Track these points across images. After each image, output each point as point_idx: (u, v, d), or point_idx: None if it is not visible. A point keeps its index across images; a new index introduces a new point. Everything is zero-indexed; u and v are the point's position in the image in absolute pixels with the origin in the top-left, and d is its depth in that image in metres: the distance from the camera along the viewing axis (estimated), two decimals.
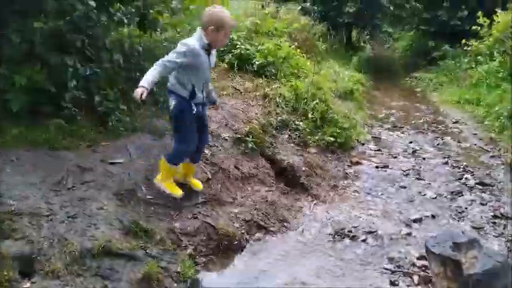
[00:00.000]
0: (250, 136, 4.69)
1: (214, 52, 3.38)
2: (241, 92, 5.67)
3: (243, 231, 3.71)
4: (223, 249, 3.50)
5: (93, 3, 3.70)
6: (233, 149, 4.52)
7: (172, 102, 3.29)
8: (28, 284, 2.53)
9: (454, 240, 2.17)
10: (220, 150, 4.38)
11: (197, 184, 3.75)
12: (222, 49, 6.45)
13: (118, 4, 4.24)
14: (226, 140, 4.51)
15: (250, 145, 4.63)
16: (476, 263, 2.04)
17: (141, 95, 2.97)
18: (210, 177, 3.96)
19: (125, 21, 4.15)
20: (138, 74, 4.38)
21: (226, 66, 6.25)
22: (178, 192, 3.55)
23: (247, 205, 3.99)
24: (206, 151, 4.25)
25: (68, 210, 3.07)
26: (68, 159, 3.48)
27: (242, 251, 3.59)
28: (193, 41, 3.15)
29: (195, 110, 3.33)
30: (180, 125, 3.38)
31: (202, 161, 4.08)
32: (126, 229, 3.12)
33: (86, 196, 3.24)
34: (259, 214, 3.96)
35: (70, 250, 2.77)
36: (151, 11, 4.76)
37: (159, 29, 4.94)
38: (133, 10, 4.65)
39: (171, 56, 3.14)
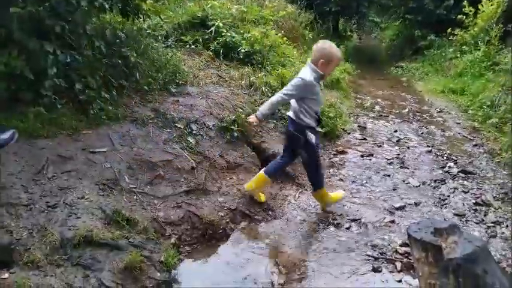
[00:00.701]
0: (236, 125, 4.65)
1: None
2: (226, 80, 5.61)
3: (227, 220, 3.71)
4: (207, 238, 3.50)
5: None
6: (218, 137, 4.49)
7: (311, 136, 3.65)
8: (6, 275, 2.49)
9: (435, 226, 2.19)
10: (205, 138, 4.34)
11: (261, 197, 4.05)
12: (207, 37, 6.39)
13: None
14: (211, 128, 4.47)
15: (235, 134, 4.60)
16: (456, 248, 2.07)
17: (252, 123, 3.75)
18: (195, 166, 3.93)
19: (106, 6, 4.04)
20: (120, 61, 4.32)
21: (211, 54, 6.17)
22: (263, 199, 4.02)
23: (232, 194, 3.98)
24: (191, 140, 4.22)
25: (48, 199, 3.02)
26: (48, 148, 3.41)
27: (227, 239, 3.59)
28: (308, 75, 3.50)
29: (314, 139, 3.70)
30: (315, 153, 3.81)
31: (187, 150, 4.05)
32: (108, 218, 3.09)
33: (66, 185, 3.19)
34: (244, 203, 3.96)
35: (50, 240, 2.73)
36: None
37: (141, 16, 4.83)
38: None
39: (289, 89, 3.56)
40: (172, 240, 3.29)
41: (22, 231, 2.71)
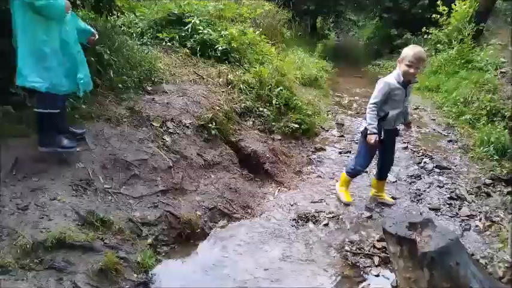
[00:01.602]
0: (214, 123, 4.62)
1: (411, 85, 3.75)
2: (203, 78, 5.55)
3: (206, 219, 3.67)
4: (185, 237, 3.45)
5: None
6: (196, 136, 4.44)
7: (364, 125, 3.81)
8: None
9: (410, 220, 2.22)
10: (182, 137, 4.28)
11: (388, 198, 4.24)
12: (183, 34, 6.31)
13: None
14: (188, 127, 4.42)
15: (213, 132, 4.56)
16: (430, 242, 2.10)
17: (375, 140, 3.65)
18: (171, 165, 3.87)
19: (78, 2, 3.93)
20: (93, 58, 4.20)
21: (188, 51, 6.10)
22: (346, 200, 4.16)
23: (211, 193, 3.94)
24: (167, 138, 4.16)
25: (18, 201, 2.92)
26: (18, 148, 3.30)
27: (205, 238, 3.55)
28: (391, 78, 3.63)
29: (383, 135, 3.73)
30: (364, 146, 3.86)
31: (163, 149, 3.99)
32: (82, 220, 3.01)
33: (38, 186, 3.09)
34: (222, 201, 3.93)
35: (21, 243, 2.64)
36: None
37: (115, 12, 4.73)
38: None
39: (377, 95, 3.65)
40: (149, 240, 3.23)
41: None
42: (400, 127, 4.11)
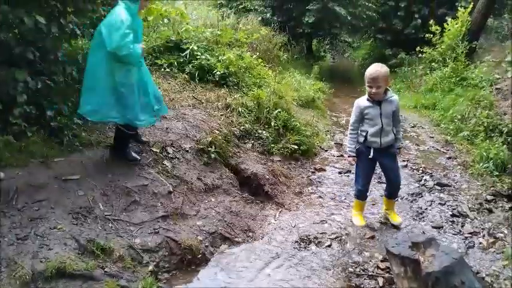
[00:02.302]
0: (213, 146, 4.63)
1: (391, 101, 3.75)
2: (202, 103, 5.61)
3: (207, 244, 3.63)
4: (187, 263, 3.42)
5: (42, 20, 3.54)
6: (195, 160, 4.45)
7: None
8: None
9: (413, 240, 2.20)
10: (181, 162, 4.30)
11: (395, 219, 4.16)
12: (181, 60, 6.40)
13: (71, 16, 4.10)
14: (188, 151, 4.43)
15: (213, 155, 4.58)
16: (434, 261, 2.08)
17: (352, 160, 3.94)
18: (171, 190, 3.86)
19: (78, 32, 4.01)
20: None
21: (186, 77, 6.18)
22: (359, 223, 4.12)
23: (211, 217, 3.92)
24: (167, 163, 4.17)
25: (17, 231, 2.91)
26: (17, 178, 3.30)
27: (207, 264, 3.51)
28: (363, 98, 3.79)
29: (372, 154, 3.80)
30: (356, 166, 4.02)
31: (163, 174, 3.99)
32: (82, 248, 2.99)
33: (38, 216, 3.08)
34: (223, 225, 3.90)
35: (20, 274, 2.62)
36: None
37: None
38: (88, 22, 4.53)
39: (352, 117, 3.88)
40: (150, 267, 3.19)
41: None
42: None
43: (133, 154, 3.98)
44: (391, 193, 4.14)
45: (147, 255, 3.25)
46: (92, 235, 3.12)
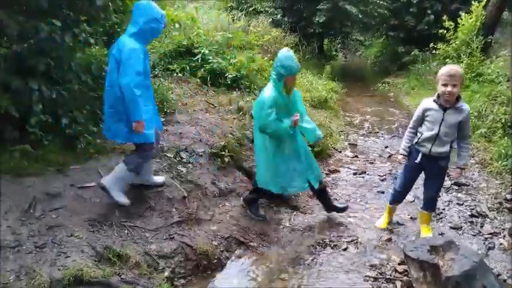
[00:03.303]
0: (226, 150, 4.63)
1: (460, 110, 3.42)
2: (215, 107, 5.62)
3: (222, 249, 3.63)
4: (202, 269, 3.42)
5: (58, 23, 3.59)
6: (209, 164, 4.45)
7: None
8: None
9: (431, 243, 2.15)
10: (195, 166, 4.30)
11: (424, 232, 3.91)
12: (193, 64, 6.43)
13: (84, 24, 4.16)
14: (202, 155, 4.44)
15: (226, 159, 4.58)
16: (453, 265, 2.03)
17: (402, 158, 3.76)
18: (186, 195, 3.87)
19: (91, 41, 4.06)
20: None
21: (198, 81, 6.20)
22: (380, 225, 4.12)
23: (226, 221, 3.92)
24: (182, 168, 4.18)
25: (36, 240, 2.94)
26: (35, 186, 3.35)
27: (222, 269, 3.51)
28: (430, 98, 3.54)
29: (419, 159, 3.61)
30: (403, 166, 3.86)
31: (178, 179, 4.00)
32: (99, 255, 3.01)
33: (55, 223, 3.12)
34: (238, 230, 3.89)
35: (39, 282, 2.64)
36: (119, 29, 4.69)
37: None
38: (101, 29, 4.59)
39: (413, 116, 3.67)
40: (166, 273, 3.20)
41: (9, 275, 2.62)
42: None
43: (261, 212, 4.19)
44: (423, 204, 3.93)
45: (163, 261, 3.26)
46: (108, 242, 3.14)
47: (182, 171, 4.12)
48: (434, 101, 3.47)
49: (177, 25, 6.51)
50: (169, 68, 6.29)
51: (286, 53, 3.60)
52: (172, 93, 5.51)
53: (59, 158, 3.68)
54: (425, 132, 3.53)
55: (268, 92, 3.63)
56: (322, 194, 4.21)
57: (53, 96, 3.78)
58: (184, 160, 4.25)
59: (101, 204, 3.42)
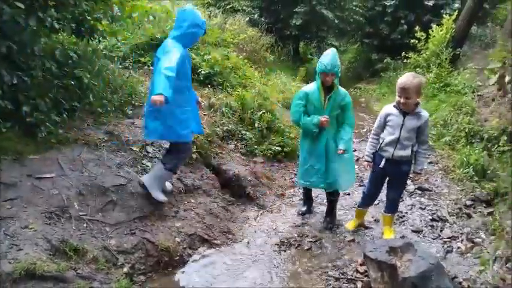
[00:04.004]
0: (194, 147, 4.56)
1: (418, 116, 3.52)
2: None
3: (185, 246, 3.57)
4: (163, 265, 3.35)
5: (22, 6, 3.43)
6: None
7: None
8: None
9: (390, 244, 2.18)
10: None
11: (386, 234, 3.95)
12: None
13: (51, 10, 3.99)
14: None
15: (194, 156, 4.51)
16: (410, 266, 2.06)
17: (367, 165, 3.84)
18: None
19: (57, 26, 3.89)
20: (72, 82, 4.16)
21: None
22: (348, 227, 4.17)
23: (190, 218, 3.86)
24: (147, 163, 4.09)
25: None
26: None
27: (184, 266, 3.45)
28: (391, 104, 3.61)
29: (382, 164, 3.66)
30: (371, 171, 3.89)
31: (142, 174, 3.90)
32: (54, 249, 2.90)
33: (8, 215, 2.97)
34: (202, 227, 3.84)
35: None
36: (89, 17, 4.54)
37: (97, 37, 4.70)
38: (69, 16, 4.42)
39: (376, 122, 3.75)
40: (125, 269, 3.12)
41: None
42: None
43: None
44: (386, 206, 4.01)
45: (122, 257, 3.17)
46: (65, 235, 3.02)
47: (147, 165, 4.02)
48: (394, 106, 3.58)
49: (151, 17, 6.36)
50: (140, 60, 6.14)
51: (327, 51, 3.79)
52: (142, 86, 5.38)
53: (17, 147, 3.51)
54: (387, 136, 3.62)
55: (309, 86, 3.91)
56: (328, 204, 4.27)
57: (13, 82, 3.59)
58: (150, 155, 4.16)
59: (59, 197, 3.29)
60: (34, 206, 3.13)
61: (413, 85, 3.37)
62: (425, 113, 3.56)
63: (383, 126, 3.67)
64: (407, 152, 3.59)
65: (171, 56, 3.26)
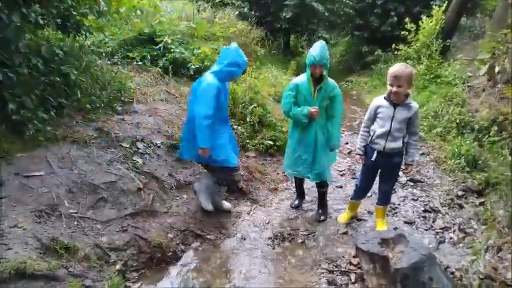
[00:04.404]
0: None
1: (408, 107, 3.52)
2: (176, 97, 5.48)
3: (178, 242, 3.55)
4: (156, 262, 3.33)
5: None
6: (167, 155, 4.33)
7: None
8: None
9: (382, 236, 2.18)
10: (153, 157, 4.18)
11: (379, 226, 3.97)
12: (155, 53, 6.25)
13: (36, 5, 3.91)
14: (159, 146, 4.31)
15: None
16: (402, 257, 2.06)
17: (359, 158, 3.83)
18: (141, 186, 3.74)
19: (42, 22, 3.82)
20: (59, 79, 4.09)
21: (160, 70, 6.03)
22: (341, 220, 4.17)
23: (183, 214, 3.83)
24: (138, 159, 4.04)
25: None
26: None
27: (178, 262, 3.43)
28: (381, 96, 3.61)
29: (374, 157, 3.65)
30: (363, 164, 3.88)
31: (133, 170, 3.86)
32: (44, 248, 2.86)
33: None
34: (195, 222, 3.82)
35: None
36: (74, 12, 4.46)
37: (83, 33, 4.63)
38: (54, 12, 4.34)
39: (366, 114, 3.72)
40: (118, 266, 3.09)
41: None
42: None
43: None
44: (378, 199, 4.03)
45: (115, 254, 3.14)
46: (55, 234, 2.98)
47: (138, 162, 3.98)
48: (384, 98, 3.58)
49: (138, 12, 6.27)
50: (129, 56, 6.07)
51: (316, 43, 3.80)
52: (131, 81, 5.32)
53: (4, 145, 3.44)
54: (378, 129, 3.61)
55: (299, 78, 3.94)
56: (318, 195, 4.30)
57: None
58: (141, 151, 4.11)
59: (49, 195, 3.24)
60: (23, 204, 3.08)
61: (406, 74, 3.39)
62: (415, 104, 3.56)
63: (373, 118, 3.67)
64: (398, 144, 3.59)
65: (207, 99, 3.50)
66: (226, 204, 4.22)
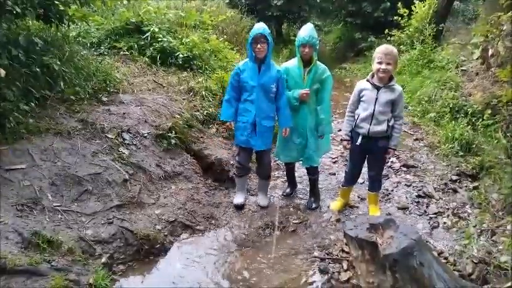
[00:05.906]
0: (173, 132, 4.43)
1: (392, 90, 3.52)
2: (164, 87, 5.37)
3: (166, 233, 3.47)
4: (144, 254, 3.26)
5: None
6: (154, 146, 4.24)
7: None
8: None
9: (371, 222, 2.12)
10: (139, 148, 4.08)
11: (372, 212, 3.95)
12: (142, 43, 6.11)
13: None
14: (146, 137, 4.21)
15: (173, 141, 4.38)
16: (392, 243, 2.00)
17: (346, 144, 3.79)
18: (127, 178, 3.65)
19: (19, 11, 3.68)
20: (41, 70, 3.97)
21: (147, 60, 5.90)
22: (334, 207, 4.11)
23: (171, 205, 3.75)
24: (124, 150, 3.95)
25: None
26: None
27: (166, 254, 3.36)
28: (364, 79, 3.63)
29: (359, 141, 3.62)
30: (350, 150, 3.86)
31: (119, 161, 3.77)
32: (26, 242, 2.78)
33: None
34: (184, 213, 3.75)
35: None
36: (57, 2, 4.32)
37: (66, 22, 4.49)
38: (35, 0, 4.19)
39: (350, 99, 3.71)
40: (103, 259, 3.01)
41: None
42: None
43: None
44: (369, 185, 4.01)
45: (100, 247, 3.06)
46: (37, 228, 2.90)
47: (124, 153, 3.88)
48: (367, 80, 3.56)
49: (125, 1, 6.12)
50: (115, 45, 5.93)
51: (304, 26, 3.81)
52: (117, 72, 5.19)
53: None
54: (362, 112, 3.58)
55: (289, 61, 3.96)
56: (310, 183, 4.25)
57: None
58: (127, 141, 4.01)
59: (31, 188, 3.15)
60: (4, 198, 2.99)
61: (395, 52, 3.44)
62: (398, 87, 3.54)
63: (357, 102, 3.64)
64: (382, 128, 3.54)
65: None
66: (263, 201, 4.21)
